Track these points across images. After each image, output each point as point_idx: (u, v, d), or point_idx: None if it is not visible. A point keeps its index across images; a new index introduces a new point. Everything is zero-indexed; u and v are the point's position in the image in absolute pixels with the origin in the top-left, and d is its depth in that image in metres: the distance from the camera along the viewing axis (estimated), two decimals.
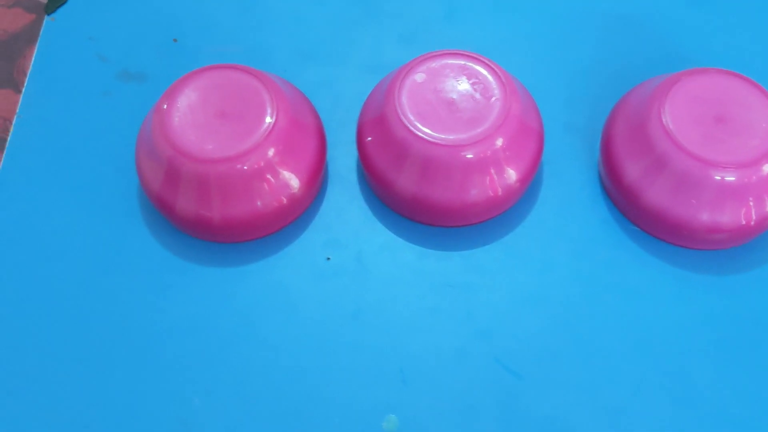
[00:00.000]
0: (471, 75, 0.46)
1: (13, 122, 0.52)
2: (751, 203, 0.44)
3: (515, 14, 0.55)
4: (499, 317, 0.45)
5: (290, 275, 0.46)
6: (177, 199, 0.45)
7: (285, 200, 0.45)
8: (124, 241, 0.48)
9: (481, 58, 0.46)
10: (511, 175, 0.45)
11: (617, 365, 0.44)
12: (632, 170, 0.46)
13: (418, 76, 0.46)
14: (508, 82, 0.46)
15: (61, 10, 0.55)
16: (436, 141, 0.44)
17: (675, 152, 0.44)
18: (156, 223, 0.48)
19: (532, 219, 0.48)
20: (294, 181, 0.45)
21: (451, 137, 0.44)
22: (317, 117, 0.49)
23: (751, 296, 0.45)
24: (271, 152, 0.44)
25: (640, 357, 0.44)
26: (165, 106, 0.45)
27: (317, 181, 0.47)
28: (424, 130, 0.44)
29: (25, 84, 0.53)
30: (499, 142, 0.44)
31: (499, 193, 0.45)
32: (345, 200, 0.48)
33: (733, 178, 0.43)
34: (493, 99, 0.45)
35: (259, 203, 0.45)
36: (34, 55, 0.53)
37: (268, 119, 0.45)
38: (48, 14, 0.54)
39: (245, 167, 0.44)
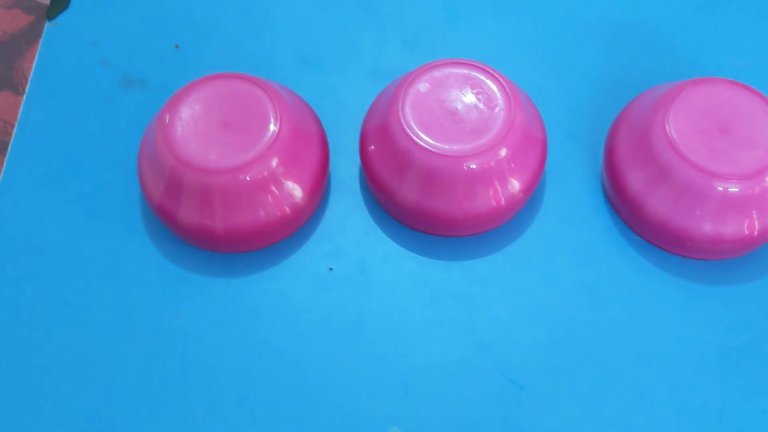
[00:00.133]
0: (475, 84, 0.46)
1: (15, 129, 0.51)
2: (755, 214, 0.43)
3: (518, 20, 0.55)
4: (501, 328, 0.45)
5: (293, 285, 0.46)
6: (179, 209, 0.45)
7: (288, 210, 0.45)
8: (125, 250, 0.47)
9: (485, 68, 0.46)
10: (515, 185, 0.45)
11: (620, 376, 0.44)
12: (635, 180, 0.46)
13: (422, 86, 0.46)
14: (512, 92, 0.46)
15: (62, 16, 0.54)
16: (440, 151, 0.44)
17: (678, 163, 0.44)
18: (158, 232, 0.48)
19: (534, 228, 0.48)
20: (297, 191, 0.45)
21: (454, 148, 0.44)
22: (320, 125, 0.49)
23: (756, 306, 0.45)
24: (274, 162, 0.44)
25: (644, 368, 0.44)
26: (167, 117, 0.45)
27: (320, 190, 0.47)
28: (428, 140, 0.44)
29: (27, 90, 0.52)
30: (503, 152, 0.44)
31: (503, 203, 0.45)
32: (348, 209, 0.48)
33: (737, 190, 0.43)
34: (497, 109, 0.45)
35: (262, 213, 0.45)
36: (36, 60, 0.53)
37: (271, 129, 0.45)
38: (49, 20, 0.54)
39: (248, 178, 0.44)
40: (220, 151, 0.44)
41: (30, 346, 0.45)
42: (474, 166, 0.44)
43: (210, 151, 0.44)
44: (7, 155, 0.50)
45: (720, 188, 0.43)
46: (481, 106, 0.45)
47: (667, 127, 0.45)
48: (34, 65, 0.53)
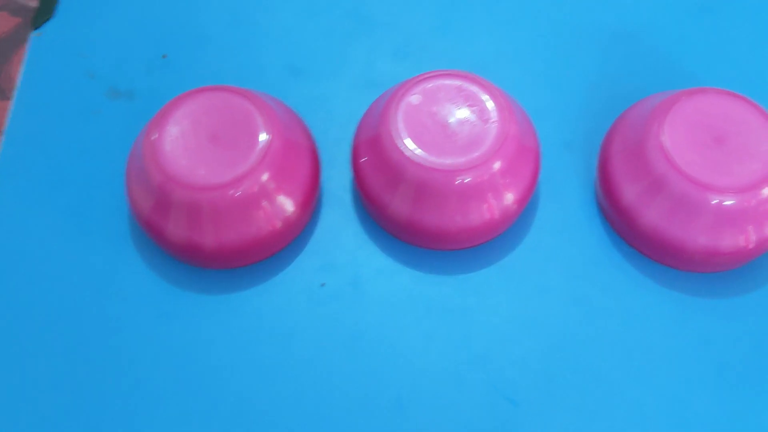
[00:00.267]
0: (467, 97, 0.45)
1: (1, 140, 0.50)
2: (751, 227, 0.43)
3: (511, 28, 0.54)
4: (495, 342, 0.45)
5: (284, 301, 0.46)
6: (167, 226, 0.44)
7: (279, 225, 0.45)
8: (113, 264, 0.47)
9: (478, 79, 0.46)
10: (509, 198, 0.45)
11: (615, 391, 0.44)
12: (629, 191, 0.45)
13: (414, 98, 0.45)
14: (505, 104, 0.45)
15: (48, 25, 0.54)
16: (432, 165, 0.43)
17: (673, 175, 0.43)
18: (146, 247, 0.47)
19: (528, 241, 0.47)
20: (288, 205, 0.45)
21: (447, 161, 0.43)
22: (310, 136, 0.48)
23: (751, 319, 0.45)
24: (265, 177, 0.44)
25: (638, 382, 0.44)
26: (155, 132, 0.44)
27: (312, 203, 0.47)
28: (420, 154, 0.43)
29: (14, 101, 0.51)
30: (497, 166, 0.44)
31: (496, 217, 0.45)
32: (340, 222, 0.48)
33: (733, 202, 0.43)
34: (490, 122, 0.44)
35: (252, 229, 0.44)
36: (22, 70, 0.52)
37: (261, 143, 0.44)
38: (35, 29, 0.53)
39: (239, 193, 0.43)
40: (210, 166, 0.43)
41: (14, 363, 0.44)
42: (467, 181, 0.43)
43: (199, 167, 0.43)
44: None
45: (715, 201, 0.43)
46: (474, 118, 0.44)
47: (662, 138, 0.44)
48: (20, 76, 0.52)
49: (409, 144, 0.44)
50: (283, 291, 0.46)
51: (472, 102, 0.45)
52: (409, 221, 0.45)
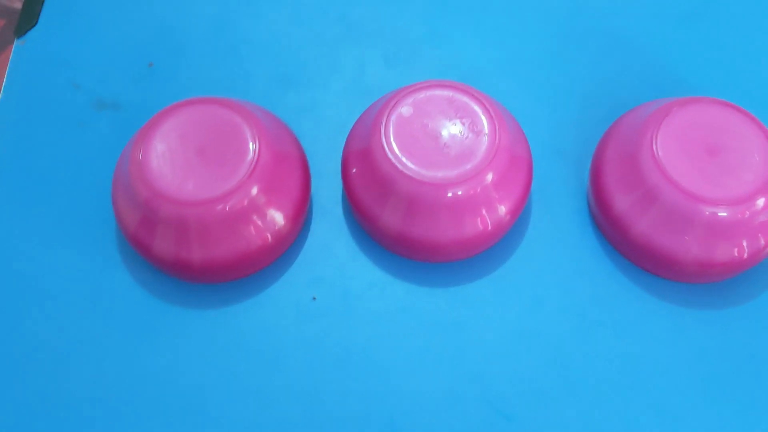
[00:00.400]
0: (459, 108, 0.45)
1: None
2: (744, 239, 0.43)
3: (501, 35, 0.53)
4: (489, 356, 0.44)
5: (274, 316, 0.45)
6: (154, 241, 0.43)
7: (270, 238, 0.44)
8: (99, 279, 0.46)
9: (469, 89, 0.45)
10: (502, 210, 0.44)
11: (610, 403, 0.43)
12: (622, 201, 0.45)
13: (405, 110, 0.45)
14: (497, 115, 0.44)
15: (31, 33, 0.53)
16: (424, 179, 0.43)
17: (666, 186, 0.43)
18: (133, 261, 0.47)
19: (521, 252, 0.47)
20: (279, 219, 0.44)
21: (439, 174, 0.43)
22: (300, 147, 0.48)
23: (745, 330, 0.45)
24: (254, 190, 0.43)
25: (633, 394, 0.43)
26: (141, 146, 0.43)
27: (302, 216, 0.46)
28: (411, 167, 0.43)
29: None
30: (489, 177, 0.43)
31: (489, 229, 0.44)
32: (330, 235, 0.47)
33: (726, 214, 0.42)
34: (482, 134, 0.44)
35: (242, 244, 0.43)
36: (5, 80, 0.51)
37: (249, 156, 0.43)
38: (18, 37, 0.52)
39: (227, 208, 0.42)
40: (197, 181, 0.42)
41: (2, 382, 0.44)
42: (459, 194, 0.43)
43: (186, 182, 0.42)
44: None
45: (708, 213, 0.42)
46: (466, 130, 0.44)
47: (654, 148, 0.44)
48: (3, 86, 0.51)
49: (401, 157, 0.43)
50: (273, 306, 0.45)
51: (463, 113, 0.44)
52: (400, 234, 0.44)
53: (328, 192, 0.49)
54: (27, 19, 0.53)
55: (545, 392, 0.43)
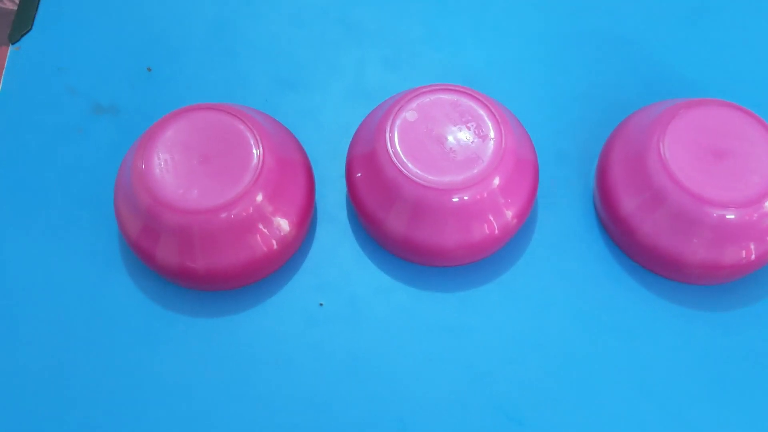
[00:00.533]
0: (464, 112, 0.44)
1: None
2: (751, 241, 0.43)
3: (503, 35, 0.53)
4: (498, 360, 0.44)
5: (281, 323, 0.45)
6: (157, 249, 0.43)
7: (275, 245, 0.44)
8: (102, 286, 0.46)
9: (474, 93, 0.45)
10: (508, 214, 0.44)
11: (619, 406, 0.43)
12: (629, 203, 0.45)
13: (410, 114, 0.44)
14: (502, 118, 0.44)
15: (26, 38, 0.52)
16: (430, 184, 0.42)
17: (673, 188, 0.43)
18: (137, 268, 0.46)
19: (528, 255, 0.46)
20: (284, 225, 0.44)
21: (445, 179, 0.42)
22: (303, 152, 0.47)
23: (753, 331, 0.45)
24: (259, 197, 0.42)
25: (642, 397, 0.43)
26: (143, 154, 0.42)
27: (307, 221, 0.46)
28: (417, 172, 0.42)
29: None
30: (496, 181, 0.43)
31: (496, 233, 0.44)
32: (336, 240, 0.47)
33: (733, 217, 0.42)
34: (488, 138, 0.43)
35: (247, 252, 0.43)
36: (0, 87, 0.50)
37: (254, 163, 0.43)
38: (12, 43, 0.51)
39: (233, 216, 0.42)
40: (201, 189, 0.42)
41: (2, 384, 0.43)
42: (466, 198, 0.42)
43: (190, 190, 0.42)
44: None
45: (715, 215, 0.42)
46: (471, 134, 0.44)
47: (662, 151, 0.44)
48: None
49: (406, 161, 0.43)
50: (280, 312, 0.45)
51: (469, 117, 0.44)
52: (405, 239, 0.44)
53: (332, 196, 0.48)
54: (21, 24, 0.52)
55: (555, 396, 0.43)
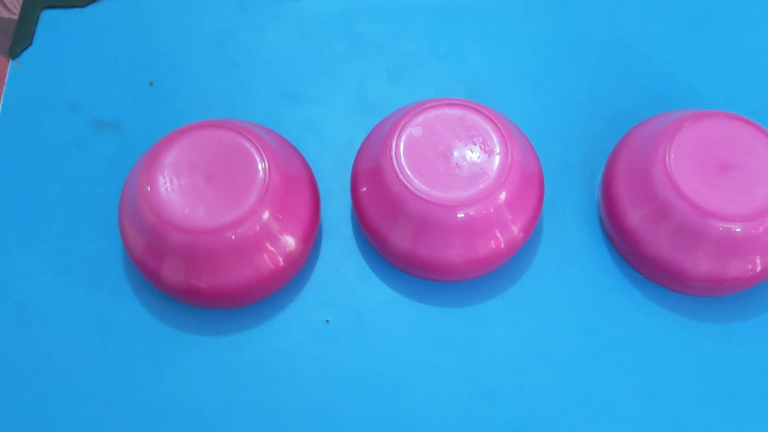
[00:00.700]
0: (469, 127, 0.44)
1: None
2: (757, 255, 0.43)
3: (506, 46, 0.53)
4: (504, 374, 0.44)
5: (288, 340, 0.44)
6: (162, 268, 0.42)
7: (282, 262, 0.43)
8: (107, 305, 0.45)
9: (479, 108, 0.45)
10: (514, 228, 0.44)
11: (625, 418, 0.43)
12: (634, 215, 0.45)
13: (415, 130, 0.44)
14: (508, 132, 0.44)
15: (26, 53, 0.51)
16: (436, 200, 0.42)
17: (678, 201, 0.43)
18: (142, 286, 0.46)
19: (533, 269, 0.46)
20: (290, 242, 0.44)
21: (451, 195, 0.42)
22: (308, 167, 0.47)
23: (758, 343, 0.45)
24: (266, 215, 0.42)
25: (648, 408, 0.44)
26: (148, 184, 0.42)
27: (313, 237, 0.45)
28: (423, 189, 0.42)
29: None
30: (502, 197, 0.43)
31: (502, 248, 0.44)
32: (341, 255, 0.47)
33: (739, 230, 0.42)
34: (493, 153, 0.43)
35: (253, 270, 0.43)
36: (1, 103, 0.50)
37: (259, 181, 0.42)
38: (13, 58, 0.51)
39: (239, 235, 0.42)
40: (208, 208, 0.42)
41: (9, 404, 0.43)
42: (473, 214, 0.42)
43: (197, 209, 0.42)
44: None
45: (721, 228, 0.42)
46: (477, 149, 0.43)
47: (667, 163, 0.44)
48: None
49: (412, 177, 0.43)
50: (287, 329, 0.45)
51: (474, 132, 0.44)
52: (411, 254, 0.44)
53: (336, 210, 0.48)
54: (21, 38, 0.51)
55: (562, 409, 0.43)
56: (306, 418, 0.43)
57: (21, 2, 0.53)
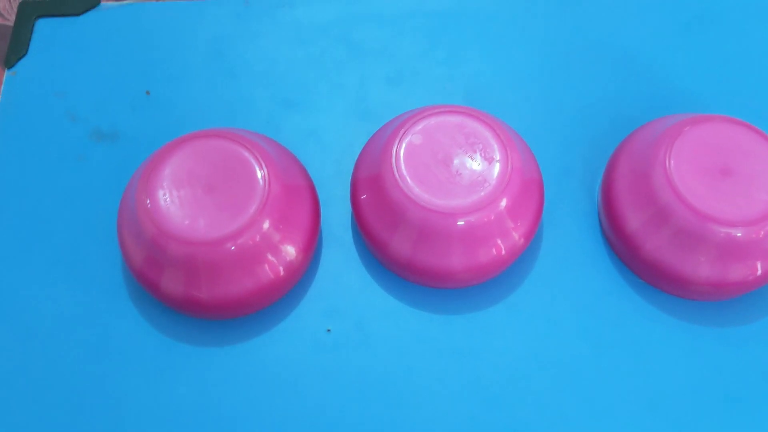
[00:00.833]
0: (469, 134, 0.44)
1: None
2: (758, 260, 0.43)
3: (505, 52, 0.53)
4: (506, 381, 0.44)
5: (289, 350, 0.44)
6: (162, 279, 0.42)
7: (282, 272, 0.43)
8: (106, 316, 0.45)
9: (479, 115, 0.44)
10: (515, 235, 0.44)
11: (628, 423, 0.43)
12: (634, 220, 0.45)
13: (415, 138, 0.44)
14: (507, 139, 0.44)
15: (22, 63, 0.51)
16: (437, 208, 0.42)
17: (679, 205, 0.43)
18: (142, 297, 0.46)
19: (534, 275, 0.46)
20: (291, 251, 0.43)
21: (452, 203, 0.42)
22: (307, 176, 0.47)
23: (759, 347, 0.45)
24: (266, 225, 0.42)
25: (650, 413, 0.43)
26: (148, 197, 0.42)
27: (313, 246, 0.45)
28: (424, 197, 0.42)
29: None
30: (503, 204, 0.43)
31: (503, 254, 0.44)
32: (342, 263, 0.47)
33: (739, 234, 0.42)
34: (493, 160, 0.43)
35: (254, 280, 0.42)
36: None
37: (259, 191, 0.42)
38: (8, 68, 0.51)
39: (240, 245, 0.41)
40: (208, 219, 0.41)
41: (9, 416, 0.43)
42: (473, 221, 0.42)
43: (197, 220, 0.41)
44: None
45: (721, 233, 0.42)
46: (477, 156, 0.43)
47: (667, 167, 0.44)
48: None
49: (413, 186, 0.43)
50: (288, 339, 0.45)
51: (474, 139, 0.44)
52: (411, 262, 0.44)
53: (336, 217, 0.48)
54: (16, 48, 0.51)
55: (564, 414, 0.43)
56: (308, 428, 0.43)
57: (15, 9, 0.52)
